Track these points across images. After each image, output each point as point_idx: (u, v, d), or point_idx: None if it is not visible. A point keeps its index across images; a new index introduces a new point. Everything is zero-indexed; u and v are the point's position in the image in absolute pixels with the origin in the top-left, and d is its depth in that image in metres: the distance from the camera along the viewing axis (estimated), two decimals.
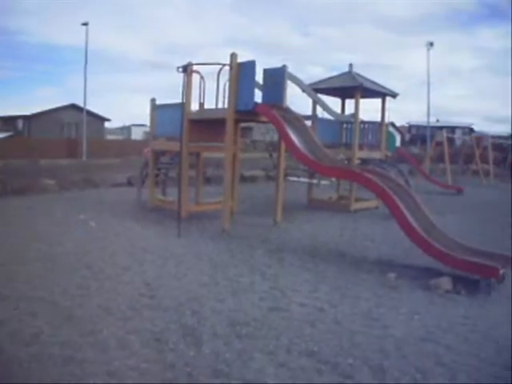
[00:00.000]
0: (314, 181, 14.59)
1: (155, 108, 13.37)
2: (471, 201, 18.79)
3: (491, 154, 30.58)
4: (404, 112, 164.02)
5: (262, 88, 10.92)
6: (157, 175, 14.22)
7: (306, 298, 6.24)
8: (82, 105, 38.94)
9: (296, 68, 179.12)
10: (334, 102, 16.45)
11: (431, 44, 37.29)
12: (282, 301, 6.12)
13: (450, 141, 35.41)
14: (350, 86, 14.05)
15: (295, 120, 10.44)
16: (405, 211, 7.76)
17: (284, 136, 9.53)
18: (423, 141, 48.29)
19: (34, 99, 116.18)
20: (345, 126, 15.30)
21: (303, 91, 11.92)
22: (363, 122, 15.19)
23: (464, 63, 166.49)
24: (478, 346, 4.91)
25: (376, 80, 15.17)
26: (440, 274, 7.26)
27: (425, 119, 41.98)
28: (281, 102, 10.55)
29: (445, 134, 26.16)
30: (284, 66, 10.86)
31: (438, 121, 64.09)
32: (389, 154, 26.13)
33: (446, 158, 24.97)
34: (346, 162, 13.51)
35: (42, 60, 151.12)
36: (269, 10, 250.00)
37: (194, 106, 12.16)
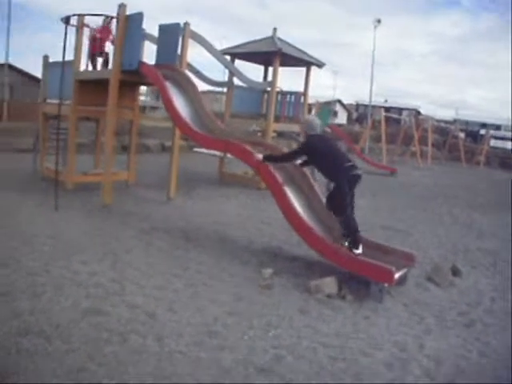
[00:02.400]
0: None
1: (48, 66, 11.81)
2: (400, 182, 17.96)
3: (431, 137, 29.93)
4: (354, 91, 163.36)
5: (157, 46, 9.60)
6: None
7: (145, 297, 4.99)
8: (18, 65, 36.43)
9: None
10: (256, 69, 15.19)
11: (379, 21, 35.99)
12: (112, 299, 4.85)
13: (393, 121, 34.74)
14: (269, 51, 12.66)
15: (187, 85, 9.07)
16: (288, 193, 6.50)
17: (166, 101, 8.07)
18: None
19: None
20: (266, 96, 14.03)
21: (210, 53, 10.58)
22: (282, 92, 13.91)
23: (417, 47, 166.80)
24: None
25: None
26: (330, 271, 6.00)
27: (373, 98, 41.05)
28: (173, 61, 9.24)
29: (383, 113, 25.28)
30: (186, 23, 9.60)
31: (386, 101, 63.64)
32: (328, 129, 25.33)
33: (383, 137, 24.18)
34: (259, 135, 12.32)
35: None
36: None
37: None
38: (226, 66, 11.60)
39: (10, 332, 4.01)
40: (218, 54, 10.89)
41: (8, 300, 4.64)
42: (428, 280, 6.36)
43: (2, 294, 4.75)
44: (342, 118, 66.84)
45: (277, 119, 13.41)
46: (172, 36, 9.20)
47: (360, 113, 63.95)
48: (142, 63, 8.80)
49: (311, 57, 13.72)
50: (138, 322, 4.39)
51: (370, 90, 35.59)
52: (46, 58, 11.93)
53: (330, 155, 6.22)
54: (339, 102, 67.59)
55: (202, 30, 9.35)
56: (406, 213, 11.31)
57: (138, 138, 20.03)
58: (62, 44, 9.02)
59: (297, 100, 13.94)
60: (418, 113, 61.12)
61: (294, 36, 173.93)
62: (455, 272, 6.67)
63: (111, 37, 10.31)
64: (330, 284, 5.62)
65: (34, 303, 4.60)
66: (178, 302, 4.93)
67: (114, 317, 4.45)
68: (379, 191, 14.62)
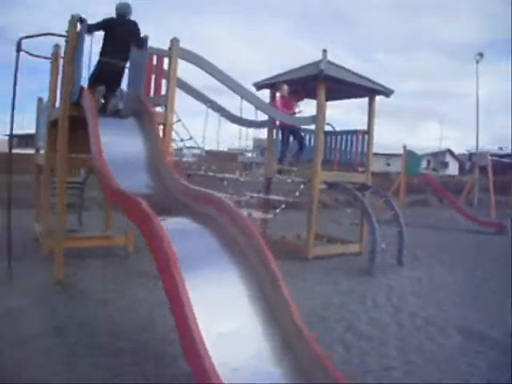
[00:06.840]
0: (269, 215, 10.02)
1: (43, 110, 9.78)
2: (507, 243, 13.95)
3: None
4: (468, 141, 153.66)
5: (129, 72, 7.19)
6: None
7: None
8: None
9: None
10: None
11: (481, 55, 32.16)
12: None
13: (507, 168, 30.45)
14: (309, 76, 9.77)
15: (146, 118, 6.62)
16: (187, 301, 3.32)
17: (92, 137, 5.49)
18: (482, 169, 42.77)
19: None
20: (332, 138, 11.11)
21: (211, 75, 8.01)
22: (335, 132, 10.90)
23: None
24: None
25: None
26: None
27: (488, 147, 36.76)
28: (138, 89, 6.95)
29: (489, 157, 21.54)
30: (174, 39, 7.31)
31: (501, 149, 58.22)
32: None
33: (490, 186, 20.44)
34: (301, 187, 9.51)
35: None
36: (330, 35, 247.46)
37: None
38: (234, 91, 8.64)
39: None
40: (221, 75, 8.07)
41: None
42: None
43: None
44: (453, 168, 62.25)
45: (328, 166, 10.42)
46: (139, 58, 6.83)
47: (473, 162, 59.12)
48: (82, 89, 6.45)
49: (374, 82, 10.49)
50: None
51: (477, 136, 32.00)
52: (40, 100, 9.94)
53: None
54: (449, 151, 63.17)
55: None
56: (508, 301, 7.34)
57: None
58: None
59: (356, 142, 10.75)
60: None
61: (403, 86, 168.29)
62: None
63: None
64: None
65: None
66: None
67: None
68: (476, 259, 11.09)
